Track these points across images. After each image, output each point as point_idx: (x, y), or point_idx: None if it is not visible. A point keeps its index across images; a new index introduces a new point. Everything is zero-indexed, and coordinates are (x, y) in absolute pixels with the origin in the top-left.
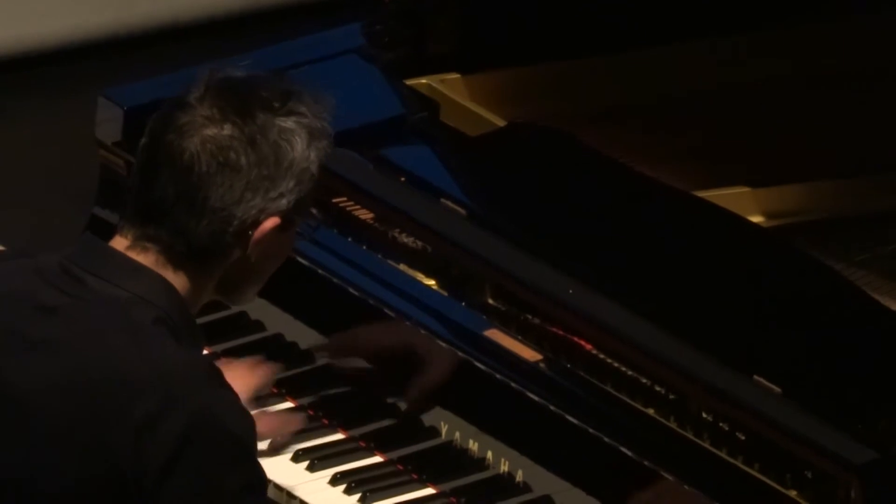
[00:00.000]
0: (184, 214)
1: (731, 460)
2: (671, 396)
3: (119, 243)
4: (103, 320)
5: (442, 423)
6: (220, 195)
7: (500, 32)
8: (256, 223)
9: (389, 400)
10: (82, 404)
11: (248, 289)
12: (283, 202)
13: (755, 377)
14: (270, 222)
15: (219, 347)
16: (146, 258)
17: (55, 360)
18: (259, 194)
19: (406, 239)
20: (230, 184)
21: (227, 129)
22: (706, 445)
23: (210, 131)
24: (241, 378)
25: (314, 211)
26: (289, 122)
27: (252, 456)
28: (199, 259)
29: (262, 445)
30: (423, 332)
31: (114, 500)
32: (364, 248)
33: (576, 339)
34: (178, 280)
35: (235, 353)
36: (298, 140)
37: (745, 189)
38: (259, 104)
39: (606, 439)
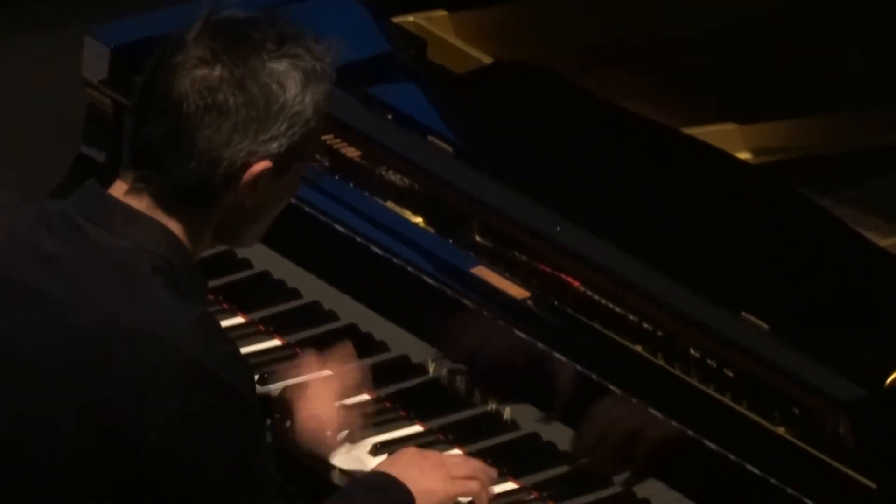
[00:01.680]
0: (172, 156)
1: (719, 397)
2: (659, 333)
3: (118, 188)
4: (101, 271)
5: (429, 361)
6: (206, 136)
7: None
8: (246, 166)
9: (378, 338)
10: (78, 358)
11: (247, 234)
12: (274, 146)
13: (743, 314)
14: (261, 165)
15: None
16: (142, 202)
17: (51, 309)
18: (248, 137)
19: (393, 177)
20: (217, 125)
21: (218, 71)
22: (694, 382)
23: (201, 72)
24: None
25: (318, 158)
26: (282, 65)
27: (250, 404)
28: (191, 202)
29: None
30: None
31: (112, 457)
32: (351, 185)
33: (563, 276)
34: (175, 225)
35: (223, 292)
36: (292, 83)
37: (733, 126)
38: (252, 46)
39: (594, 376)
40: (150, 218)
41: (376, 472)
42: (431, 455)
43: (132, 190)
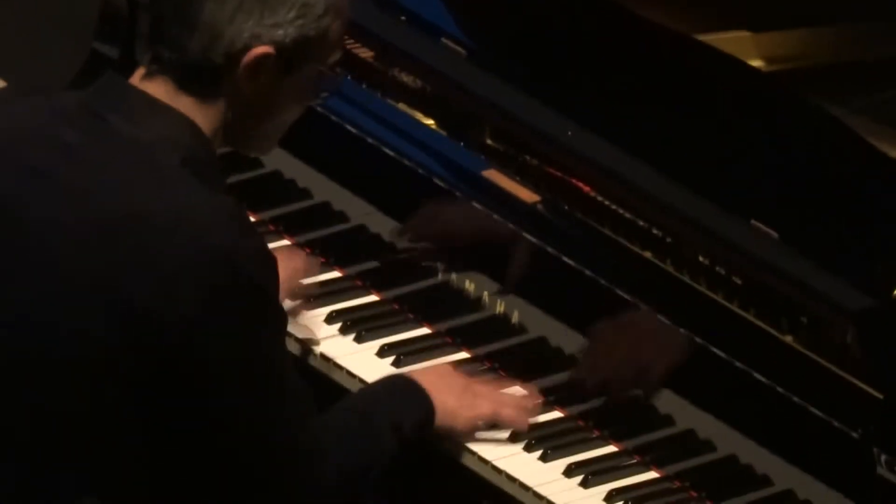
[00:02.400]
0: (177, 28)
1: (727, 304)
2: (668, 240)
3: (136, 76)
4: (128, 162)
5: (438, 264)
6: (210, 10)
7: None
8: (248, 48)
9: (387, 240)
10: (101, 248)
11: (256, 134)
12: (280, 33)
13: (753, 221)
14: (262, 49)
15: None
16: (157, 86)
17: (77, 200)
18: (252, 17)
19: (406, 78)
20: (221, 1)
21: None
22: (702, 289)
23: None
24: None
25: (339, 70)
26: None
27: (275, 300)
28: (197, 81)
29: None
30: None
31: (139, 350)
32: (364, 86)
33: (574, 180)
34: (190, 111)
35: (233, 191)
36: None
37: (746, 33)
38: None
39: (602, 281)
40: (172, 108)
41: (402, 374)
42: (462, 378)
43: (148, 74)
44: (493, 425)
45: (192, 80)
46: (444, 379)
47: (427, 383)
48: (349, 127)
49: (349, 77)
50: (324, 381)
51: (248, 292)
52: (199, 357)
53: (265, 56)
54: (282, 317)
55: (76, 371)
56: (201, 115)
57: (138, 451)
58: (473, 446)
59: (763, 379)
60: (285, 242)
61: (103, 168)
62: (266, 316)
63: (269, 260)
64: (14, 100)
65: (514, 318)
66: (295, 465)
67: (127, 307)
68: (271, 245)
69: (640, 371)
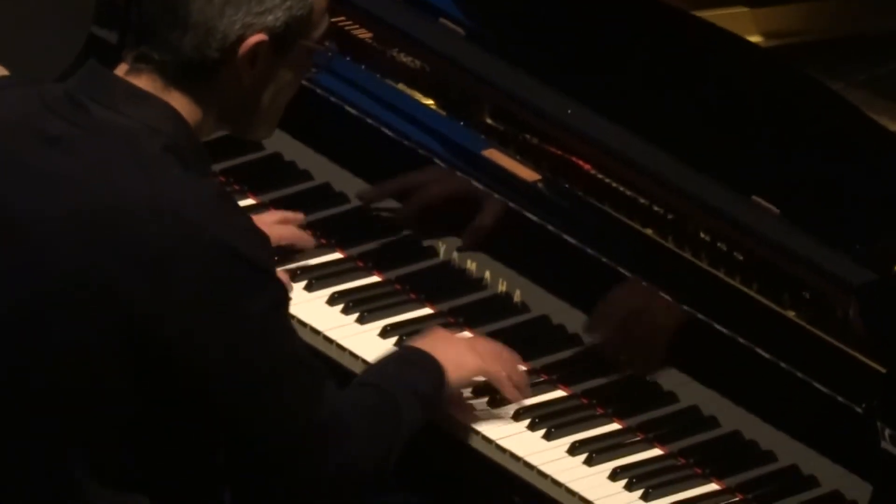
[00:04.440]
0: (167, 28)
1: (729, 280)
2: (669, 216)
3: (121, 69)
4: (111, 150)
5: (439, 243)
6: (199, 8)
7: None
8: (242, 39)
9: (386, 216)
10: (89, 238)
11: (255, 120)
12: (270, 18)
13: (753, 197)
14: (256, 38)
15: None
16: (145, 80)
17: (61, 191)
18: (242, 8)
19: (405, 59)
20: None
21: None
22: (704, 265)
23: None
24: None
25: (327, 44)
26: None
27: (272, 275)
28: (190, 78)
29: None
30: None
31: (124, 340)
32: (363, 67)
33: (574, 158)
34: (177, 104)
35: (234, 173)
36: None
37: (744, 9)
38: None
39: (604, 259)
40: (155, 96)
41: (405, 346)
42: (460, 336)
43: (133, 70)
44: (494, 401)
45: (187, 75)
46: (443, 338)
47: (430, 347)
48: (348, 108)
49: (348, 58)
50: (326, 364)
51: (243, 268)
52: (201, 338)
53: (260, 44)
54: (282, 290)
55: (73, 362)
56: (192, 105)
57: (144, 437)
58: (477, 426)
59: (766, 354)
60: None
61: (87, 157)
62: (265, 289)
63: (261, 235)
64: (2, 88)
65: (517, 297)
66: (316, 440)
67: (118, 294)
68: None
69: (642, 348)
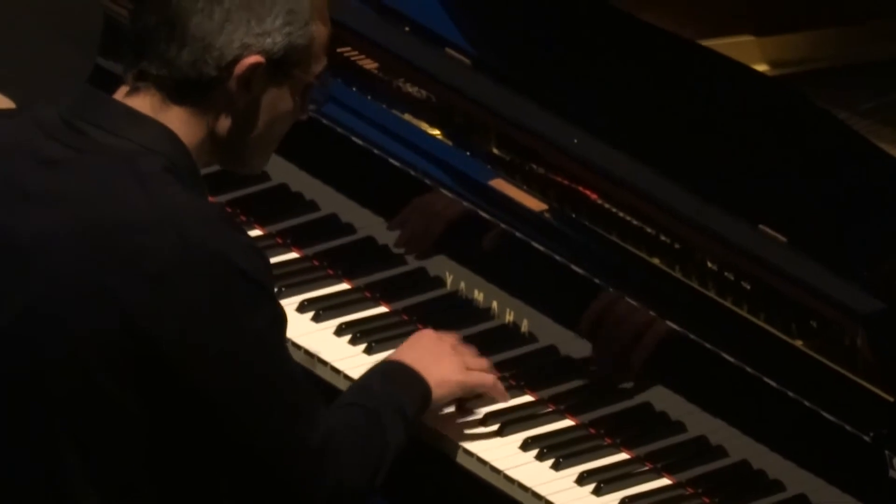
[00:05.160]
0: (165, 42)
1: (737, 310)
2: (676, 246)
3: (120, 92)
4: (110, 170)
5: (447, 273)
6: (198, 23)
7: None
8: (238, 59)
9: (395, 251)
10: (91, 254)
11: (245, 147)
12: (269, 41)
13: (760, 226)
14: (252, 59)
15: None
16: (143, 100)
17: (62, 209)
18: (241, 27)
19: (410, 89)
20: (209, 11)
21: None
22: (711, 295)
23: None
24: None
25: (327, 80)
26: None
27: (271, 293)
28: (187, 94)
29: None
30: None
31: (125, 355)
32: (368, 97)
33: (581, 188)
34: (175, 126)
35: (241, 204)
36: None
37: (750, 38)
38: None
39: (611, 289)
40: (152, 119)
41: (391, 361)
42: (447, 340)
43: (133, 90)
44: (502, 430)
45: (183, 93)
46: (429, 350)
47: (414, 361)
48: (355, 138)
49: (354, 89)
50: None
51: (242, 283)
52: (199, 352)
53: (256, 65)
54: (278, 308)
55: (74, 376)
56: (188, 126)
57: (143, 450)
58: (486, 456)
59: (774, 384)
60: (293, 255)
61: (86, 177)
62: (261, 305)
63: (261, 254)
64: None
65: (524, 327)
66: (309, 462)
67: (120, 308)
68: (280, 258)
69: (651, 378)
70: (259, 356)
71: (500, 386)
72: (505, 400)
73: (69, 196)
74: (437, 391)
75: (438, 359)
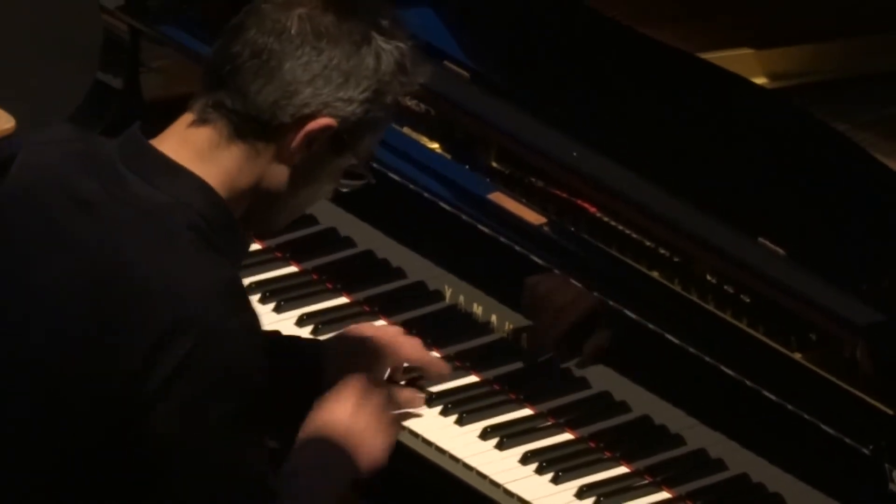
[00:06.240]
0: (252, 76)
1: (736, 323)
2: (676, 259)
3: (185, 119)
4: (134, 223)
5: (446, 287)
6: (293, 67)
7: None
8: (316, 115)
9: (395, 265)
10: (96, 306)
11: (280, 205)
12: (349, 109)
13: (760, 239)
14: (327, 120)
15: None
16: (207, 132)
17: (79, 256)
18: (330, 86)
19: (409, 102)
20: (307, 61)
21: (328, 18)
22: (711, 308)
23: (311, 12)
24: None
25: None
26: (388, 45)
27: (247, 388)
28: (254, 133)
29: None
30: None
31: (100, 405)
32: None
33: (580, 201)
34: (227, 165)
35: None
36: (389, 63)
37: (749, 50)
38: (368, 15)
39: (611, 302)
40: (188, 170)
41: (319, 438)
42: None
43: (201, 119)
44: (502, 444)
45: (248, 132)
46: (353, 431)
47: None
48: None
49: None
50: None
51: (223, 369)
52: (162, 426)
53: (328, 128)
54: (258, 401)
55: (46, 417)
56: (239, 170)
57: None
58: (486, 470)
59: (773, 397)
60: (292, 269)
61: (109, 228)
62: (235, 396)
63: (258, 338)
64: (52, 141)
65: (524, 340)
66: None
67: (106, 366)
68: (279, 272)
69: (650, 391)
70: (221, 443)
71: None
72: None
73: (91, 245)
74: (367, 465)
75: (353, 439)
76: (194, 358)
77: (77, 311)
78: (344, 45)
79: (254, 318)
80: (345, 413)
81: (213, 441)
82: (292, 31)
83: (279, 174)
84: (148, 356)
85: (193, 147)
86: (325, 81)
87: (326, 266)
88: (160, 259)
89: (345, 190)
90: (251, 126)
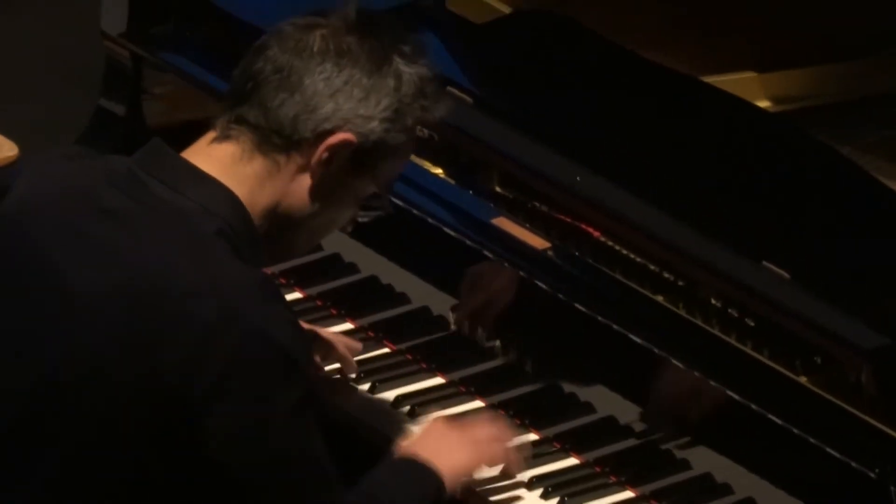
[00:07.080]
0: (273, 90)
1: (741, 346)
2: (680, 283)
3: (208, 136)
4: (164, 228)
5: (450, 313)
6: (313, 82)
7: None
8: (336, 130)
9: (398, 290)
10: (135, 313)
11: (297, 226)
12: (368, 126)
13: (764, 262)
14: (346, 135)
15: None
16: (229, 147)
17: (111, 264)
18: (350, 102)
19: None
20: (329, 76)
21: (351, 38)
22: (715, 332)
23: (334, 32)
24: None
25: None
26: (409, 69)
27: (303, 374)
28: (276, 146)
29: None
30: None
31: (154, 412)
32: None
33: (584, 226)
34: (249, 179)
35: None
36: (410, 86)
37: (752, 74)
38: (391, 40)
39: (615, 327)
40: (215, 180)
41: (404, 456)
42: (455, 428)
43: (223, 135)
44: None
45: (270, 146)
46: (443, 439)
47: (429, 451)
48: None
49: None
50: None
51: (276, 358)
52: (226, 423)
53: (347, 142)
54: (310, 388)
55: (101, 432)
56: (260, 185)
57: None
58: (490, 496)
59: (779, 420)
60: (296, 295)
61: (139, 233)
62: (295, 382)
63: (300, 330)
64: (70, 158)
65: (528, 366)
66: None
67: (158, 373)
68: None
69: (653, 415)
70: (283, 431)
71: (514, 455)
72: (520, 471)
73: (121, 252)
74: (451, 480)
75: (450, 448)
76: (246, 351)
77: (117, 319)
78: (365, 64)
79: (293, 312)
80: (435, 430)
81: (282, 430)
82: (314, 49)
83: (299, 192)
84: (194, 355)
85: (217, 161)
86: (346, 97)
87: (331, 292)
88: (194, 258)
89: (363, 220)
90: (272, 140)
